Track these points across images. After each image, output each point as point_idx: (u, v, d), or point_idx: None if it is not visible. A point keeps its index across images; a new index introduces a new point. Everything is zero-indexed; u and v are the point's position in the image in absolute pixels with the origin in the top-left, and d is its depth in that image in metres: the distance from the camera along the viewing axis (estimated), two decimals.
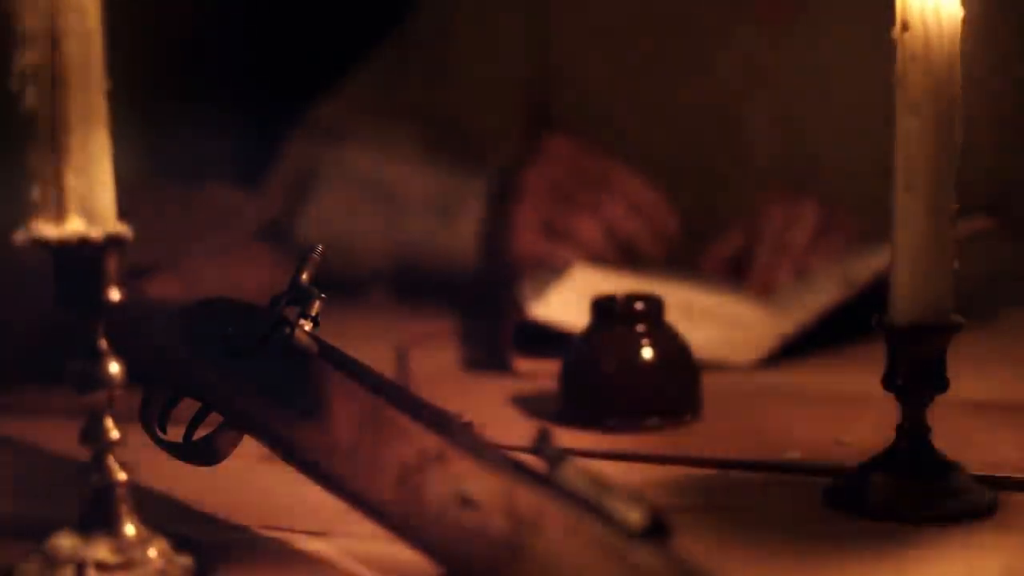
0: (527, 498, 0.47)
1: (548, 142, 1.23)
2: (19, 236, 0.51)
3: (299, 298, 0.60)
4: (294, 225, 1.28)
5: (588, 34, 1.37)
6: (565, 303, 0.99)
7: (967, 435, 0.77)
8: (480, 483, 0.49)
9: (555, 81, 1.38)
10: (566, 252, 1.15)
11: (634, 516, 0.45)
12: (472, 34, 1.39)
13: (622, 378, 0.83)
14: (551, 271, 1.10)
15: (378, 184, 1.28)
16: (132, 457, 0.55)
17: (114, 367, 0.53)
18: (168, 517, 0.59)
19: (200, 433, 0.64)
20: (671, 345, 0.84)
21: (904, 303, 0.65)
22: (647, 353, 0.83)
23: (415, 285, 1.24)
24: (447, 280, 1.23)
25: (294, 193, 1.31)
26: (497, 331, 1.02)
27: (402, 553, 0.52)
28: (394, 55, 1.40)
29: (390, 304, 1.25)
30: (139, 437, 0.63)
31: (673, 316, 0.86)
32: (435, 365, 1.00)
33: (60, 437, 0.71)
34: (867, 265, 1.01)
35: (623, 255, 1.17)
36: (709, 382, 0.86)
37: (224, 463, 0.63)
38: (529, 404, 0.88)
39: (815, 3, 1.31)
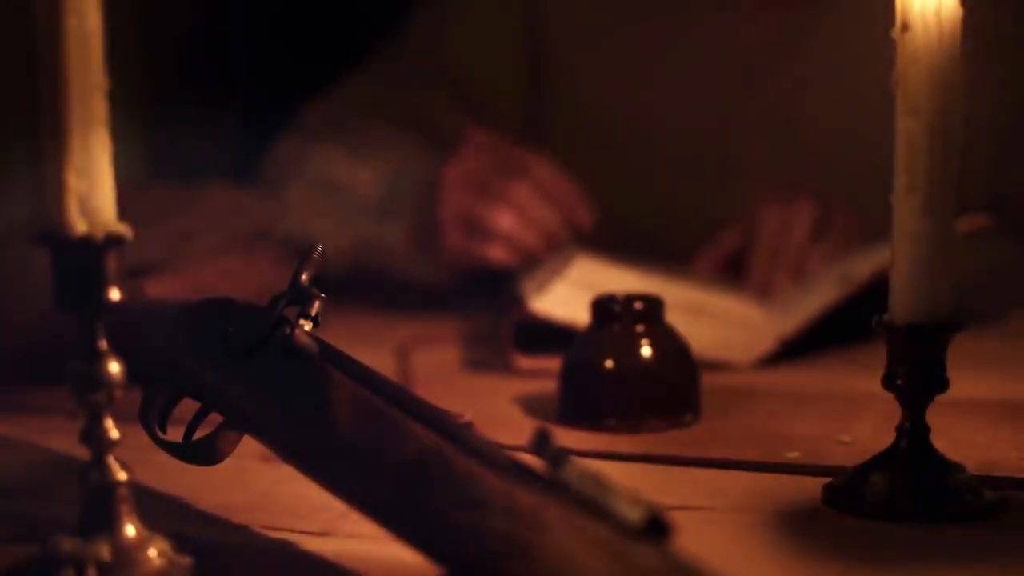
0: (527, 498, 0.47)
1: (468, 135, 1.23)
2: (20, 235, 0.51)
3: (299, 298, 0.60)
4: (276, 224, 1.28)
5: (584, 37, 1.37)
6: (566, 297, 0.99)
7: (967, 435, 0.77)
8: (480, 483, 0.49)
9: (551, 85, 1.38)
10: (486, 245, 1.17)
11: (634, 516, 0.45)
12: (467, 37, 1.38)
13: (622, 378, 0.83)
14: (551, 265, 1.10)
15: (336, 184, 1.28)
16: (132, 457, 0.55)
17: (114, 367, 0.53)
18: (168, 517, 0.59)
19: (200, 433, 0.64)
20: (671, 345, 0.84)
21: (904, 303, 0.65)
22: (647, 353, 0.83)
23: (367, 285, 1.24)
24: (392, 279, 1.24)
25: (273, 193, 1.31)
26: (497, 329, 1.02)
27: (402, 553, 0.52)
28: (389, 58, 1.40)
29: (344, 308, 1.24)
30: (139, 437, 0.63)
31: (673, 315, 0.86)
32: (435, 365, 1.00)
33: (60, 437, 0.71)
34: (866, 265, 1.01)
35: (539, 243, 1.17)
36: (709, 382, 0.86)
37: (224, 463, 0.63)
38: (529, 404, 0.88)
39: (813, 3, 1.31)
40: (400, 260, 1.23)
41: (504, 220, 1.16)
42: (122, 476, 0.54)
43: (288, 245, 1.21)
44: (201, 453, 0.63)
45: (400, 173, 1.26)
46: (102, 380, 0.53)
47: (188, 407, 0.65)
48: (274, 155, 1.34)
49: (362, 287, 1.23)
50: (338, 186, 1.27)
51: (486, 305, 1.13)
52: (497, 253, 1.17)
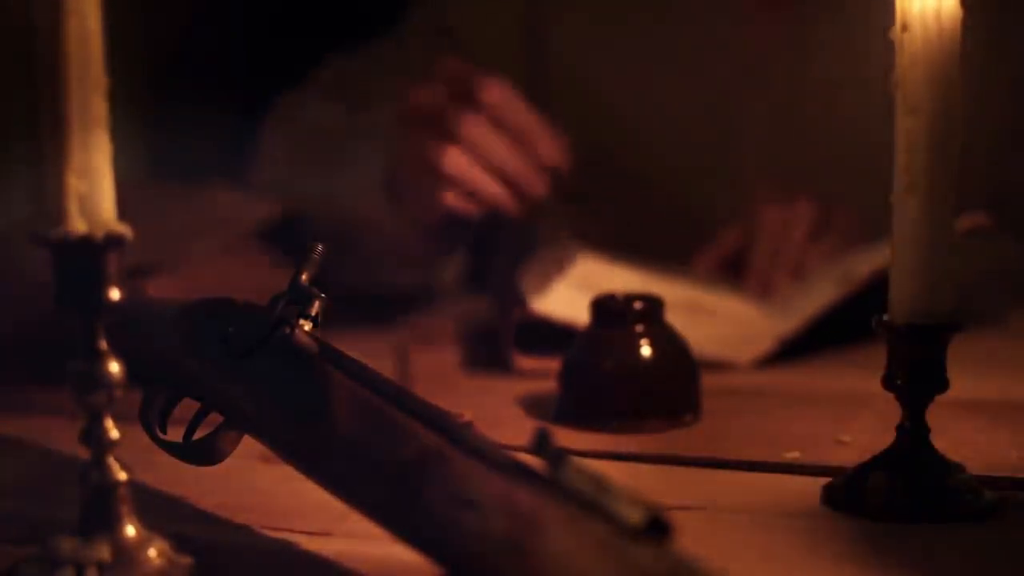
0: (527, 498, 0.47)
1: (436, 64, 1.07)
2: (20, 236, 0.51)
3: (299, 298, 0.60)
4: (250, 172, 1.22)
5: (586, 34, 1.37)
6: (567, 297, 0.99)
7: (967, 435, 0.77)
8: (480, 483, 0.49)
9: (552, 81, 1.38)
10: (439, 191, 1.01)
11: (634, 516, 0.45)
12: (468, 32, 1.38)
13: (622, 378, 0.83)
14: (550, 259, 1.09)
15: (327, 135, 1.19)
16: (132, 457, 0.55)
17: (114, 367, 0.53)
18: (168, 517, 0.59)
19: (200, 433, 0.64)
20: (671, 345, 0.84)
21: (904, 303, 0.65)
22: (647, 353, 0.83)
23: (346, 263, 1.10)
24: (367, 245, 1.11)
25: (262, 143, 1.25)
26: (498, 329, 1.02)
27: (402, 553, 0.52)
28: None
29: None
30: (139, 437, 0.63)
31: (673, 315, 0.86)
32: (435, 365, 1.00)
33: (60, 437, 0.71)
34: (866, 265, 1.01)
35: (501, 190, 1.02)
36: (709, 382, 0.86)
37: (224, 463, 0.63)
38: (529, 404, 0.88)
39: (814, 2, 1.31)
40: (370, 216, 1.09)
41: (451, 160, 1.00)
42: (122, 476, 0.54)
43: (267, 195, 1.17)
44: (201, 453, 0.63)
45: (375, 118, 1.12)
46: (102, 380, 0.53)
47: (188, 407, 0.65)
48: (277, 107, 1.31)
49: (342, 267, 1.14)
50: (329, 137, 1.18)
51: (484, 298, 1.13)
52: (451, 200, 1.02)
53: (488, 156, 1.01)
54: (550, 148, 1.04)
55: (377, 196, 1.07)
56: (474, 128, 1.01)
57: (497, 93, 1.02)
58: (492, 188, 1.02)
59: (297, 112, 1.25)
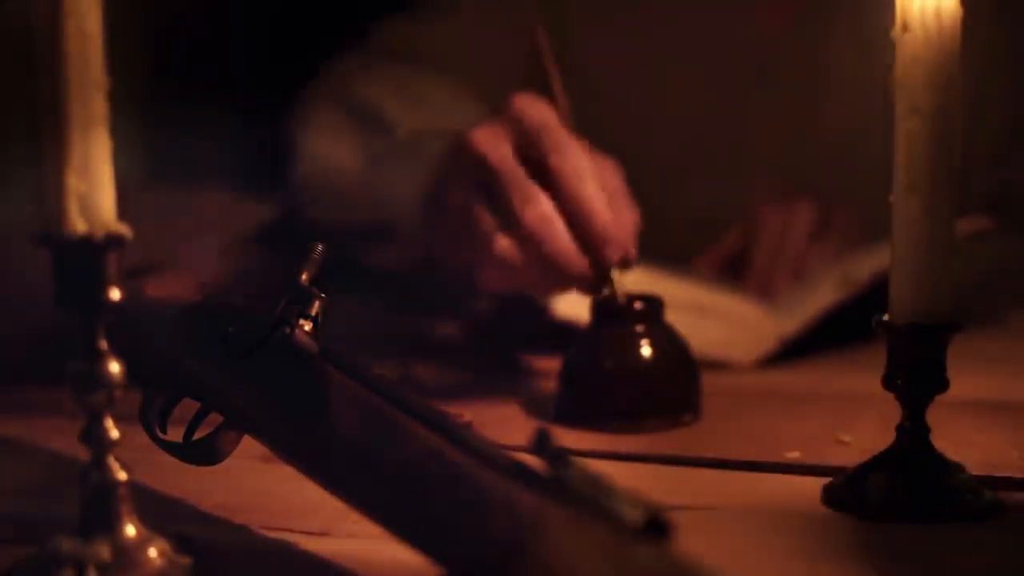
0: (527, 498, 0.47)
1: (512, 101, 0.89)
2: (20, 236, 0.51)
3: (299, 298, 0.60)
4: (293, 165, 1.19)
5: (588, 33, 1.37)
6: (576, 297, 0.98)
7: (967, 435, 0.77)
8: (480, 483, 0.49)
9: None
10: (476, 260, 0.87)
11: (634, 516, 0.45)
12: (472, 29, 1.38)
13: (622, 378, 0.83)
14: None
15: (371, 114, 1.14)
16: (132, 457, 0.55)
17: (114, 367, 0.53)
18: (168, 517, 0.59)
19: (200, 433, 0.64)
20: (671, 345, 0.84)
21: (904, 303, 0.65)
22: (647, 353, 0.83)
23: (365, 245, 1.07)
24: (388, 235, 1.04)
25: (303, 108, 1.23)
26: (499, 329, 1.02)
27: (402, 553, 0.52)
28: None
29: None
30: (139, 437, 0.63)
31: (675, 315, 0.85)
32: (436, 365, 1.00)
33: (60, 437, 0.71)
34: (867, 265, 1.01)
35: (545, 281, 0.87)
36: (709, 382, 0.86)
37: (224, 463, 0.63)
38: (529, 404, 0.88)
39: (817, 3, 1.31)
40: (402, 217, 1.00)
41: (502, 247, 0.85)
42: (122, 476, 0.54)
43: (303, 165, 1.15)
44: (201, 453, 0.63)
45: (435, 123, 1.03)
46: (102, 380, 0.53)
47: (188, 407, 0.65)
48: (327, 73, 1.28)
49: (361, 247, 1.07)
50: (372, 117, 1.14)
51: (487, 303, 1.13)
52: (488, 277, 0.88)
53: (542, 247, 0.84)
54: (615, 245, 0.86)
55: (415, 207, 0.97)
56: (537, 219, 0.84)
57: (572, 165, 0.86)
58: (535, 280, 0.87)
59: (349, 83, 1.22)
